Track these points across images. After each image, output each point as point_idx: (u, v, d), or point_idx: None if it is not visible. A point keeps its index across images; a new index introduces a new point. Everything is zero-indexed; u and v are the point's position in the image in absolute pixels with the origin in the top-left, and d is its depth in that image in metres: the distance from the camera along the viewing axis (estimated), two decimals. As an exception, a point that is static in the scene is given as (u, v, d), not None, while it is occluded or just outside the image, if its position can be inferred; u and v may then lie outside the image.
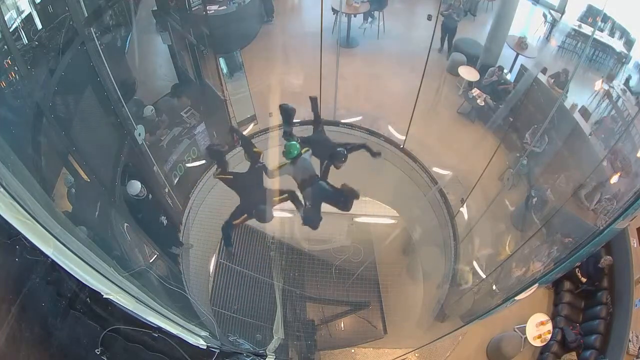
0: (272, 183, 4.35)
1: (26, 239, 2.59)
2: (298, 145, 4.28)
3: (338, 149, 4.43)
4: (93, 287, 2.95)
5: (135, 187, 5.25)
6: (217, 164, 4.47)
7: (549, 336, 5.79)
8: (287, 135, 4.67)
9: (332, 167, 4.61)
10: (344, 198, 4.21)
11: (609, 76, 6.72)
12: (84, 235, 3.78)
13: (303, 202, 4.43)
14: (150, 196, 5.55)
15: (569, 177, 6.31)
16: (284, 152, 4.30)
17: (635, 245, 5.97)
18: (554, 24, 8.11)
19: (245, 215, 4.38)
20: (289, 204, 4.61)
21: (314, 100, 4.88)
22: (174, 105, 6.70)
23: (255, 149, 4.47)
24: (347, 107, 7.64)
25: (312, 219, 4.34)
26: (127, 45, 6.06)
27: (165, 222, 5.99)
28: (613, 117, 6.38)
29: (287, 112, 4.72)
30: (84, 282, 2.88)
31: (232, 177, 4.35)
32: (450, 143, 7.47)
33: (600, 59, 7.08)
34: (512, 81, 7.79)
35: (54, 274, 3.62)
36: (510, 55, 7.92)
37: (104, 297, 3.01)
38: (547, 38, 8.25)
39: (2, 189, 2.27)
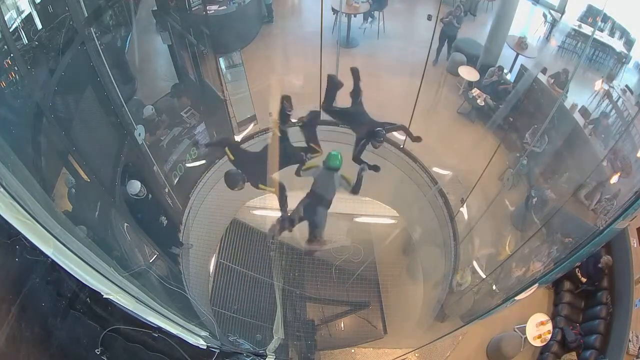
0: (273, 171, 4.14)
1: (26, 239, 2.60)
2: (341, 157, 4.13)
3: (377, 129, 4.29)
4: (93, 287, 2.95)
5: (135, 186, 5.26)
6: (280, 116, 4.35)
7: (549, 336, 5.79)
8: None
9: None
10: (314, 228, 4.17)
11: (609, 76, 6.71)
12: (84, 235, 3.79)
13: (287, 206, 4.23)
14: (150, 196, 5.56)
15: (569, 177, 6.31)
16: (325, 159, 4.14)
17: (635, 245, 5.97)
18: (554, 24, 8.10)
19: (234, 162, 4.12)
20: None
21: (355, 72, 4.75)
22: (174, 105, 6.70)
23: (314, 145, 4.32)
24: (347, 107, 7.63)
25: (290, 219, 4.20)
26: (127, 45, 6.05)
27: (165, 222, 6.00)
28: (613, 117, 6.39)
29: (333, 84, 4.55)
30: (84, 282, 2.88)
31: (280, 134, 4.28)
32: (450, 143, 7.45)
33: (600, 59, 7.07)
34: (512, 81, 7.78)
35: (54, 274, 3.63)
36: (510, 55, 7.91)
37: (104, 297, 3.01)
38: (547, 38, 8.23)
39: (2, 189, 2.27)
